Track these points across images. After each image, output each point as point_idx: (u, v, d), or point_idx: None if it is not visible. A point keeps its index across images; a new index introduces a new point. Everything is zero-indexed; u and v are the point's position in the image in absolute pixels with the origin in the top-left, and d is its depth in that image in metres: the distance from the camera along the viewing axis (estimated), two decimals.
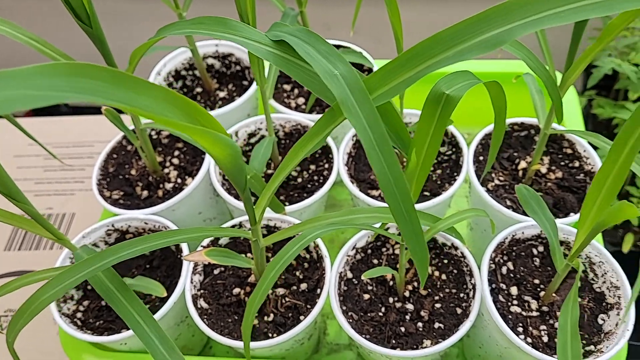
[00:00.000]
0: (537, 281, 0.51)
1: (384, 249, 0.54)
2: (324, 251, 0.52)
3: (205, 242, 0.54)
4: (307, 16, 0.61)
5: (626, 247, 0.80)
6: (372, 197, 0.58)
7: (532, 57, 0.41)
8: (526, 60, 0.41)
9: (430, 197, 0.57)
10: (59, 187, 0.80)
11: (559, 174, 0.58)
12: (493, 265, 0.51)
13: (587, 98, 0.93)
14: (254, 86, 0.67)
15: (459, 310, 0.50)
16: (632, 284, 0.78)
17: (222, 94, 0.70)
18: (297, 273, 0.53)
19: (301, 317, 0.49)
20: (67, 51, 0.55)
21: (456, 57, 0.32)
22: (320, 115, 0.66)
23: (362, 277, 0.48)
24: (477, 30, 0.31)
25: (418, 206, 0.55)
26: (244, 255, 0.54)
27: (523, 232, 0.52)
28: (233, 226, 0.55)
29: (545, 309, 0.50)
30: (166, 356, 0.37)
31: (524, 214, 0.54)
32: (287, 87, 0.69)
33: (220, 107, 0.68)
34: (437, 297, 0.51)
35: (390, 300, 0.51)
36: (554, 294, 0.51)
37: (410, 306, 0.51)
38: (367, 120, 0.32)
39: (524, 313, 0.49)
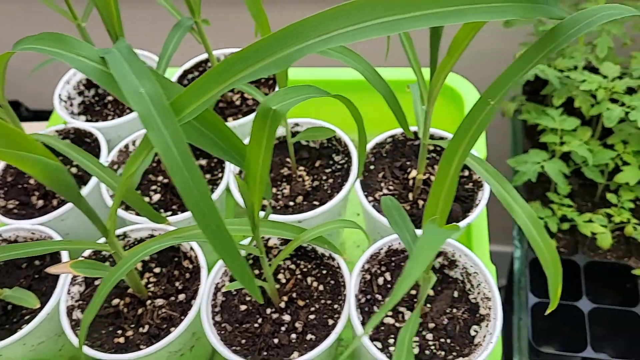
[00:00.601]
0: (413, 292, 0.51)
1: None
2: (202, 262, 0.52)
3: (87, 252, 0.54)
4: (202, 26, 0.61)
5: None
6: (263, 207, 0.57)
7: (370, 69, 0.41)
8: (363, 72, 0.41)
9: (318, 207, 0.57)
10: None
11: None
12: (369, 276, 0.52)
13: (518, 103, 0.93)
14: None
15: (330, 322, 0.50)
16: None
17: None
18: (177, 284, 0.53)
19: (171, 329, 0.49)
20: None
21: (253, 75, 0.32)
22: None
23: (223, 289, 0.48)
24: (275, 48, 0.31)
25: (300, 216, 0.55)
26: None
27: (400, 243, 0.52)
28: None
29: (419, 320, 0.50)
30: None
31: None
32: None
33: (127, 114, 0.68)
34: (312, 308, 0.51)
35: (268, 311, 0.51)
36: (428, 305, 0.51)
37: (287, 317, 0.51)
38: (172, 137, 0.32)
39: (397, 324, 0.49)
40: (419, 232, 0.52)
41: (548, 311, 0.42)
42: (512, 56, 0.95)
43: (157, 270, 0.55)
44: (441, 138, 0.60)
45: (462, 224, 0.53)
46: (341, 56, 0.41)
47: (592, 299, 0.76)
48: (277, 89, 0.67)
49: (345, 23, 0.30)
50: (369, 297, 0.51)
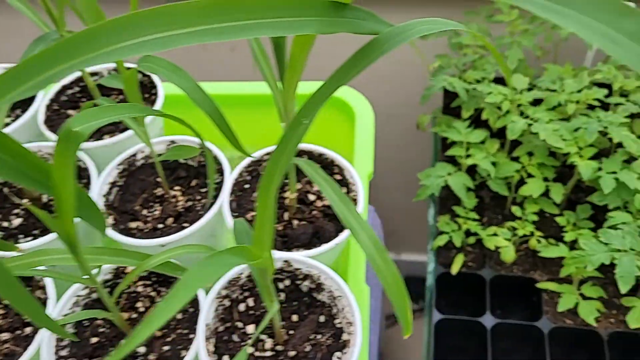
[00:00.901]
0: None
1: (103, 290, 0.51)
2: (50, 292, 0.49)
3: None
4: None
5: (455, 269, 0.79)
6: (130, 230, 0.54)
7: (194, 85, 0.38)
8: (185, 89, 0.38)
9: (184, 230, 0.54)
10: None
11: (327, 202, 0.56)
12: (229, 303, 0.49)
13: (432, 116, 0.92)
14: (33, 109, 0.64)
15: (183, 353, 0.46)
16: (465, 307, 0.77)
17: (7, 120, 0.66)
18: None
19: None
20: None
21: (33, 89, 0.29)
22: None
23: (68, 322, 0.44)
24: (47, 63, 0.29)
25: (164, 240, 0.51)
26: None
27: None
28: None
29: (279, 347, 0.47)
30: None
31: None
32: (71, 112, 0.66)
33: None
34: (168, 339, 0.48)
35: (122, 343, 0.48)
36: (290, 332, 0.48)
37: (142, 349, 0.47)
38: None
39: (256, 353, 0.47)
40: (282, 254, 0.50)
41: (405, 336, 0.40)
42: (426, 68, 0.94)
43: (7, 301, 0.51)
44: (320, 155, 0.58)
45: (331, 244, 0.51)
46: (165, 72, 0.38)
47: (499, 313, 0.75)
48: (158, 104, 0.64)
49: (118, 39, 0.28)
50: (228, 325, 0.48)
